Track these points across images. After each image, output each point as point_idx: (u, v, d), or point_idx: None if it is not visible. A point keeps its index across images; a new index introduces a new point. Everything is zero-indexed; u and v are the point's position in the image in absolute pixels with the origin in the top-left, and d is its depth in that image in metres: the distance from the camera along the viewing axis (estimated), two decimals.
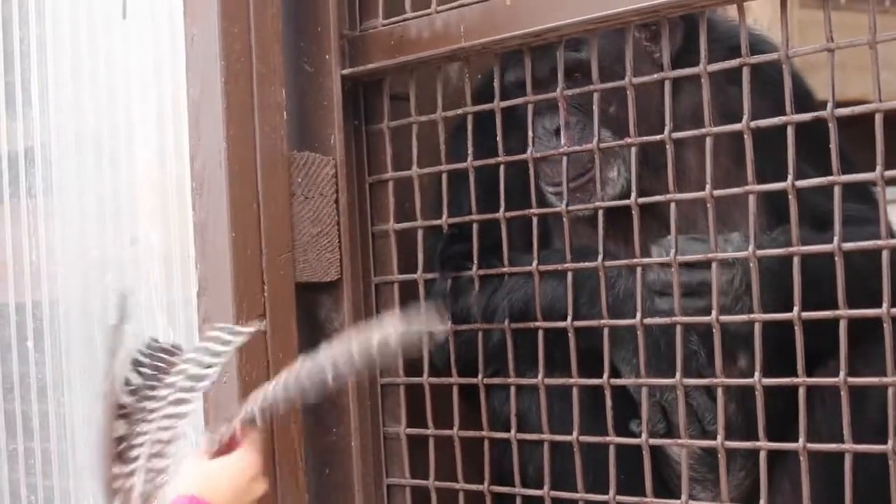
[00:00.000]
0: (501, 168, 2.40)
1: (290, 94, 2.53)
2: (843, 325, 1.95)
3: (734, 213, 2.47)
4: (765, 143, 2.12)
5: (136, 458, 1.86)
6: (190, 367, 1.93)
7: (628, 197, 2.24)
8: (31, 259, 2.96)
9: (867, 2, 1.93)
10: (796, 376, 2.03)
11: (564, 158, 2.35)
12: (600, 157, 2.33)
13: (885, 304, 1.91)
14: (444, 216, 2.49)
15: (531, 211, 2.38)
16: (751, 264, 2.08)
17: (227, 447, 1.91)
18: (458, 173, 2.48)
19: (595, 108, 2.29)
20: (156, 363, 1.95)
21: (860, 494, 2.00)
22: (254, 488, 1.94)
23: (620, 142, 2.28)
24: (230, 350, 1.98)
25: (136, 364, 1.95)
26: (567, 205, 2.34)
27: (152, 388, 1.92)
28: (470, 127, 2.46)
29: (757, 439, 2.07)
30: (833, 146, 1.95)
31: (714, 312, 2.12)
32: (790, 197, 2.00)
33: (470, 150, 2.45)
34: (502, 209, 2.39)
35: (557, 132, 2.44)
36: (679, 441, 2.21)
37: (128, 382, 1.93)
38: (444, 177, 2.50)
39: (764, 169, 2.09)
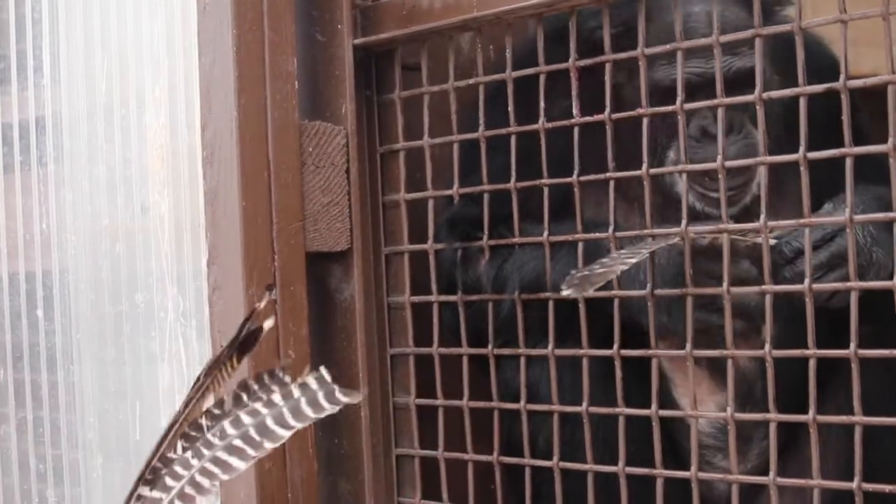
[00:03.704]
0: (513, 138, 2.39)
1: (302, 63, 2.53)
2: (853, 297, 1.95)
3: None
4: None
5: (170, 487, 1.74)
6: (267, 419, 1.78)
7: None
8: (41, 227, 2.96)
9: None
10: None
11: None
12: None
13: None
14: (456, 186, 2.49)
15: (542, 181, 2.37)
16: (761, 235, 2.09)
17: None
18: (475, 144, 2.47)
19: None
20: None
21: (882, 469, 1.99)
22: None
23: (633, 112, 2.27)
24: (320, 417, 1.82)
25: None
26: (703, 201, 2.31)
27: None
28: (482, 98, 2.45)
29: (779, 412, 2.07)
30: (845, 117, 1.95)
31: (725, 285, 2.12)
32: (802, 168, 2.00)
33: (482, 121, 2.44)
34: (513, 179, 2.39)
35: (705, 134, 2.41)
36: (690, 413, 2.22)
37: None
38: (456, 147, 2.50)
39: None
